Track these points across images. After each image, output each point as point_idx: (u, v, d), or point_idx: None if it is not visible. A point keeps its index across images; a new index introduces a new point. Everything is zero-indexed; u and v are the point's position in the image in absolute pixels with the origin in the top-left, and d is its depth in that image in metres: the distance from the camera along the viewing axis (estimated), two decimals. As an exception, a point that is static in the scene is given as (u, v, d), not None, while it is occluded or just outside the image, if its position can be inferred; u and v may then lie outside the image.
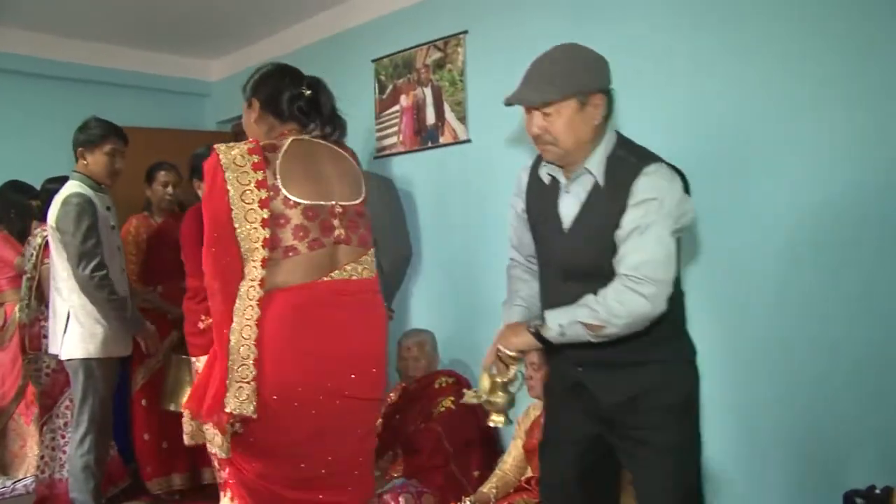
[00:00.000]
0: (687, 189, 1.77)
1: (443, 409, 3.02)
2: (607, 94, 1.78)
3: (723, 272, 2.63)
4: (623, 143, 1.82)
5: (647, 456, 1.82)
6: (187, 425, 1.90)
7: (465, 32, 3.54)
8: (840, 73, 2.35)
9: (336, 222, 1.87)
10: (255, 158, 1.79)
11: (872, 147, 2.29)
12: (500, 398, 1.81)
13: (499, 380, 1.81)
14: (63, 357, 2.93)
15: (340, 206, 1.89)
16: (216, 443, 1.82)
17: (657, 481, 1.82)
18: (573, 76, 1.72)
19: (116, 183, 3.07)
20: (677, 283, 1.80)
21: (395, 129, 3.93)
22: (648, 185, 1.69)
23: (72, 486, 2.97)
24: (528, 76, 1.78)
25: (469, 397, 1.87)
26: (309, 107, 1.99)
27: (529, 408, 2.77)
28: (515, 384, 1.84)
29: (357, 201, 1.95)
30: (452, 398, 3.05)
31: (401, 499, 2.77)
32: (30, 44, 4.54)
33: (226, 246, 1.79)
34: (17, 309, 3.54)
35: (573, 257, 1.82)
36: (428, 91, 3.74)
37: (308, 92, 1.99)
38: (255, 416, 1.73)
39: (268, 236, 1.77)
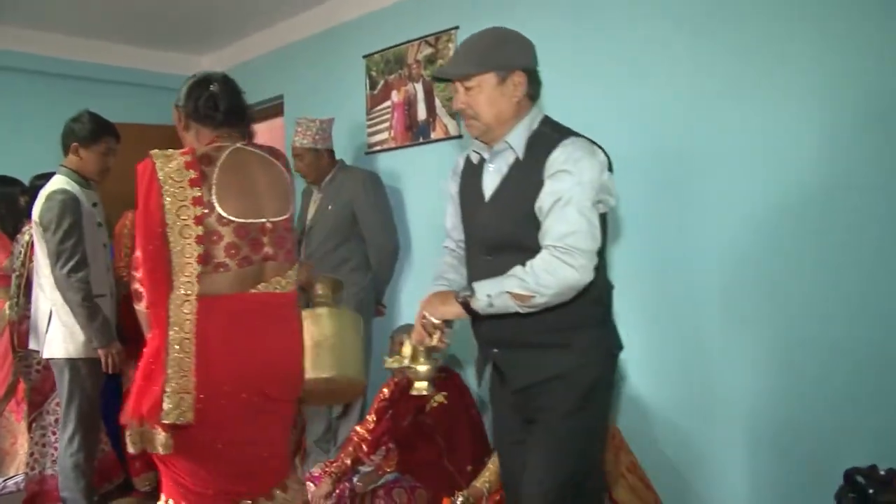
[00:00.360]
0: (610, 167, 1.81)
1: (435, 404, 3.02)
2: (530, 74, 1.85)
3: (723, 268, 2.64)
4: (548, 121, 1.88)
5: (538, 434, 1.86)
6: (129, 434, 1.89)
7: (457, 28, 3.54)
8: (838, 71, 2.36)
9: (265, 240, 1.97)
10: (192, 174, 1.85)
11: (872, 145, 2.29)
12: (422, 365, 1.82)
13: (421, 347, 1.81)
14: (46, 356, 2.91)
15: (270, 222, 1.98)
16: (159, 441, 1.83)
17: (538, 461, 1.85)
18: (492, 53, 1.82)
19: (105, 180, 3.05)
20: (605, 273, 1.87)
21: (387, 124, 3.92)
22: (564, 156, 1.74)
23: (62, 486, 2.96)
24: (454, 54, 1.89)
25: (390, 363, 1.87)
26: (213, 102, 2.03)
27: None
28: (441, 353, 1.85)
29: (286, 216, 2.05)
30: (445, 393, 3.05)
31: (394, 493, 2.78)
32: (19, 40, 4.52)
33: (160, 258, 1.84)
34: (6, 307, 3.53)
35: (491, 229, 1.87)
36: (419, 87, 3.74)
37: (213, 88, 2.04)
38: (192, 422, 1.80)
39: (202, 252, 1.84)
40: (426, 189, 3.75)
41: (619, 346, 1.94)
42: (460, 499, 2.61)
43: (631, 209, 2.89)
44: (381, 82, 3.95)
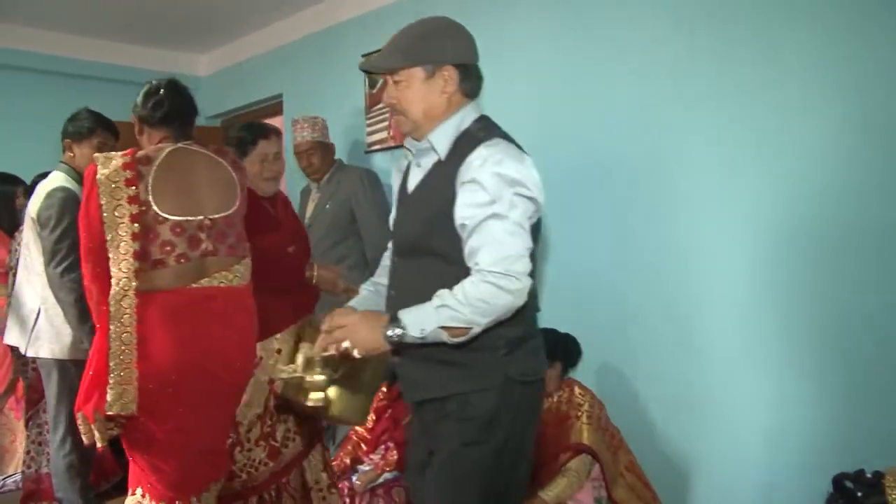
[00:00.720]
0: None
1: (434, 402, 3.02)
2: (463, 68, 1.71)
3: (721, 269, 2.66)
4: (482, 121, 1.72)
5: (435, 468, 1.70)
6: (80, 425, 2.00)
7: (455, 27, 3.54)
8: (834, 67, 2.37)
9: (203, 236, 2.03)
10: (129, 174, 1.95)
11: (875, 144, 2.30)
12: (319, 375, 1.70)
13: (318, 357, 1.68)
14: (30, 354, 2.87)
15: (209, 219, 2.04)
16: (97, 435, 1.94)
17: (432, 500, 1.70)
18: (421, 45, 1.70)
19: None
20: (532, 293, 1.67)
21: (386, 123, 3.92)
22: (480, 161, 1.58)
23: (57, 486, 2.92)
24: (385, 46, 1.74)
25: (279, 373, 1.74)
26: (160, 106, 2.12)
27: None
28: (339, 364, 1.71)
29: (228, 212, 2.10)
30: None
31: (393, 492, 2.78)
32: (17, 38, 4.51)
33: (101, 256, 1.96)
34: (6, 304, 3.51)
35: (403, 229, 1.76)
36: (418, 85, 3.73)
37: (161, 94, 2.14)
38: (136, 413, 1.90)
39: (138, 249, 1.93)
40: (425, 188, 3.75)
41: (534, 373, 1.72)
42: (459, 497, 2.61)
43: (630, 208, 2.90)
44: (381, 81, 3.95)
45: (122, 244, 1.92)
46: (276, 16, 4.58)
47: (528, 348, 1.71)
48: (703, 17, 2.66)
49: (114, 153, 2.01)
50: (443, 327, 1.52)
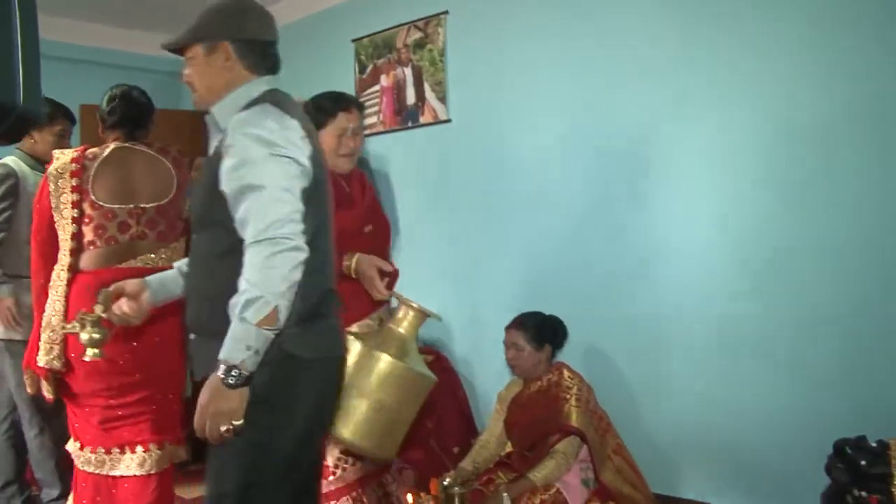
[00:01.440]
0: (311, 137, 1.64)
1: (423, 386, 3.04)
2: (242, 44, 1.72)
3: (709, 254, 2.69)
4: (268, 94, 1.70)
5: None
6: (25, 378, 2.38)
7: (446, 13, 3.54)
8: (826, 61, 2.39)
9: (133, 222, 2.33)
10: (74, 167, 2.30)
11: (855, 136, 2.33)
12: (95, 334, 1.78)
13: (87, 318, 1.76)
14: None
15: (140, 207, 2.35)
16: (44, 386, 2.32)
17: (207, 482, 1.62)
18: (202, 23, 1.74)
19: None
20: (319, 267, 1.60)
21: (376, 108, 3.92)
22: (237, 122, 1.57)
23: (34, 467, 2.93)
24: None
25: (69, 329, 1.86)
26: (113, 111, 2.41)
27: (511, 383, 2.81)
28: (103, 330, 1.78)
29: (161, 202, 2.38)
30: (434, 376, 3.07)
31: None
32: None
33: (49, 235, 2.30)
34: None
35: (192, 205, 1.78)
36: (408, 71, 3.74)
37: (116, 101, 2.41)
38: (63, 370, 2.26)
39: (76, 231, 2.27)
40: (415, 173, 3.76)
41: (316, 352, 1.60)
42: (447, 479, 2.63)
43: (621, 200, 2.92)
44: (370, 66, 3.94)
45: (66, 226, 2.27)
46: (267, 0, 4.55)
47: (317, 327, 1.62)
48: (701, 16, 2.68)
49: (68, 150, 2.36)
50: (258, 325, 1.43)
